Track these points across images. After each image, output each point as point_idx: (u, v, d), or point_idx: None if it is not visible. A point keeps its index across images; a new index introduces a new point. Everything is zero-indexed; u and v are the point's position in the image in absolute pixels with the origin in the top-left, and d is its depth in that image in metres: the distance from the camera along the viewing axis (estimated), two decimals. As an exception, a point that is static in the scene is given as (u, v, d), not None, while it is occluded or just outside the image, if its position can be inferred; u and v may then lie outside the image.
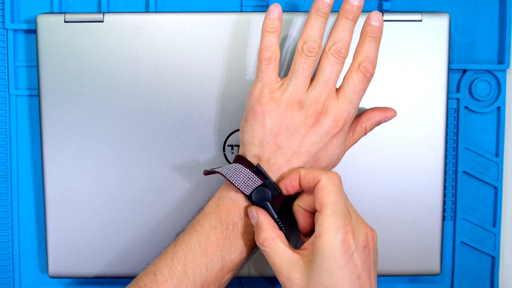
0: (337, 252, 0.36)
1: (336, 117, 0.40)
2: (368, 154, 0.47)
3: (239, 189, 0.39)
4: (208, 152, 0.46)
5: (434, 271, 0.48)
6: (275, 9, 0.41)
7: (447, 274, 0.53)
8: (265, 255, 0.39)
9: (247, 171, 0.39)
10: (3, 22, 0.50)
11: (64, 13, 0.46)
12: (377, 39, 0.40)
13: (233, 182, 0.39)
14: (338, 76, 0.40)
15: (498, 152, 0.52)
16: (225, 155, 0.46)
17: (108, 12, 0.48)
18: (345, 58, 0.40)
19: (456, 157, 0.52)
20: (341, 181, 0.38)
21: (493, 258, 0.53)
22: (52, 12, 0.49)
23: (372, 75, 0.40)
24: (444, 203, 0.48)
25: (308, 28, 0.40)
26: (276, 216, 0.40)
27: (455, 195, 0.52)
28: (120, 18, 0.45)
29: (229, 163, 0.46)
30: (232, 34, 0.45)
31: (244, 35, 0.45)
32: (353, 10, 0.40)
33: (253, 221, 0.40)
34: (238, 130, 0.46)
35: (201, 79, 0.46)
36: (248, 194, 0.39)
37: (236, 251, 0.40)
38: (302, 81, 0.40)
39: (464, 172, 0.52)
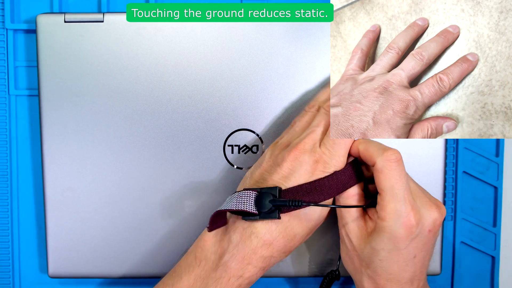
0: (398, 237, 0.38)
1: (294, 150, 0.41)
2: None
3: (241, 210, 0.39)
4: (208, 152, 0.46)
5: (434, 271, 0.48)
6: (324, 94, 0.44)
7: (447, 274, 0.53)
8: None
9: (237, 192, 0.40)
10: (3, 22, 0.50)
11: (64, 13, 0.46)
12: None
13: (230, 207, 0.39)
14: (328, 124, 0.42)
15: (498, 152, 0.52)
16: (225, 155, 0.46)
17: (108, 12, 0.48)
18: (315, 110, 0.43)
19: (456, 157, 0.52)
20: (399, 160, 0.39)
21: (493, 258, 0.53)
22: (52, 12, 0.49)
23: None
24: (444, 203, 0.48)
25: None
26: (295, 203, 0.39)
27: (455, 195, 0.52)
28: (120, 18, 0.45)
29: (229, 163, 0.47)
30: (233, 34, 0.45)
31: (244, 35, 0.46)
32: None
33: None
34: (238, 130, 0.46)
35: (201, 79, 0.46)
36: (254, 210, 0.39)
37: None
38: (297, 130, 0.43)
39: (464, 172, 0.52)
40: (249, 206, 0.38)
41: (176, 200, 0.47)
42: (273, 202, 0.38)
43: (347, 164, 0.41)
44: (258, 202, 0.39)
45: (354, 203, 0.41)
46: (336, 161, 0.40)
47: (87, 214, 0.47)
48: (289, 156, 0.40)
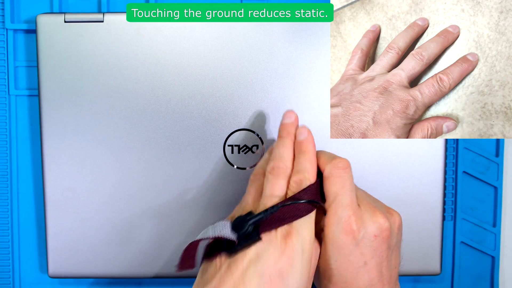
0: (340, 242, 0.37)
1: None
2: (368, 154, 0.47)
3: (217, 237, 0.36)
4: (208, 152, 0.46)
5: (434, 271, 0.48)
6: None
7: (447, 274, 0.53)
8: None
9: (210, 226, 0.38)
10: (3, 22, 0.50)
11: (64, 13, 0.46)
12: (311, 153, 0.40)
13: (205, 237, 0.37)
14: (280, 190, 0.39)
15: (498, 152, 0.52)
16: (225, 155, 0.46)
17: (108, 12, 0.48)
18: (285, 173, 0.39)
19: (456, 157, 0.52)
20: (346, 169, 0.38)
21: (493, 258, 0.53)
22: (52, 12, 0.49)
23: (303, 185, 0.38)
24: (444, 203, 0.48)
25: (275, 149, 0.41)
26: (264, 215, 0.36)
27: (455, 195, 0.52)
28: (120, 18, 0.45)
29: (229, 163, 0.47)
30: (233, 34, 0.46)
31: (244, 35, 0.46)
32: (288, 129, 0.41)
33: None
34: (238, 130, 0.46)
35: (201, 79, 0.46)
36: (231, 236, 0.36)
37: None
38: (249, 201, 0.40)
39: (464, 172, 0.52)
40: (226, 232, 0.36)
41: (176, 200, 0.47)
42: (248, 216, 0.36)
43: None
44: (235, 226, 0.36)
45: None
46: (304, 233, 0.37)
47: (87, 214, 0.47)
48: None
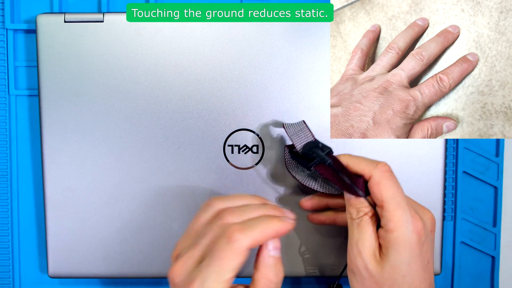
0: (412, 243, 0.37)
1: None
2: (368, 154, 0.47)
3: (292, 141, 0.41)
4: (208, 152, 0.46)
5: (434, 271, 0.48)
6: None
7: (447, 274, 0.53)
8: (354, 231, 0.39)
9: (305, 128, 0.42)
10: (3, 22, 0.50)
11: (64, 13, 0.46)
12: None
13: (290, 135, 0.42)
14: (202, 222, 0.38)
15: (498, 152, 0.52)
16: (225, 155, 0.46)
17: (108, 12, 0.48)
18: (213, 210, 0.38)
19: (456, 157, 0.52)
20: (391, 170, 0.39)
21: (493, 258, 0.53)
22: (52, 12, 0.49)
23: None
24: (444, 203, 0.48)
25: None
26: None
27: (455, 195, 0.52)
28: (120, 18, 0.45)
29: (229, 163, 0.47)
30: (233, 34, 0.46)
31: (244, 35, 0.46)
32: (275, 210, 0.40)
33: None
34: (238, 130, 0.46)
35: (201, 79, 0.46)
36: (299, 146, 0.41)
37: None
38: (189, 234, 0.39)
39: (464, 172, 0.52)
40: (299, 142, 0.42)
41: (176, 200, 0.47)
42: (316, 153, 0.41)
43: None
44: (306, 144, 0.42)
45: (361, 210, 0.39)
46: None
47: (87, 214, 0.47)
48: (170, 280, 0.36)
